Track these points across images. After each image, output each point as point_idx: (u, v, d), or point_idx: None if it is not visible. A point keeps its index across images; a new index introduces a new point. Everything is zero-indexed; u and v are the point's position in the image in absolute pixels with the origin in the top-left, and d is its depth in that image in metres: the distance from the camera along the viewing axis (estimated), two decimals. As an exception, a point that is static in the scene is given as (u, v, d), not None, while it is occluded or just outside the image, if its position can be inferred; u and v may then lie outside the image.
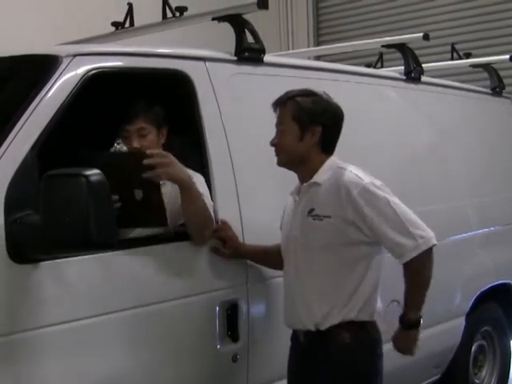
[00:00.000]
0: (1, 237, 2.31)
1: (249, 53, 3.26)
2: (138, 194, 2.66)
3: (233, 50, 3.24)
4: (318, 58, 6.81)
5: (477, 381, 4.60)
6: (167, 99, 3.01)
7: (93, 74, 2.69)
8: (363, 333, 2.76)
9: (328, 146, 2.83)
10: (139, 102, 2.96)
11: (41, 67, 2.69)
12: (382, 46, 4.55)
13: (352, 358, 2.74)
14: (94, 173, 2.26)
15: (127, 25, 3.75)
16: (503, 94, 5.18)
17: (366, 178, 2.73)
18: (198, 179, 2.83)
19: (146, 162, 2.58)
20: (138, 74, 2.94)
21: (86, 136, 3.35)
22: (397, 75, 4.26)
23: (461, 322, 4.28)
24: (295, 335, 2.89)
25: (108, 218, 2.28)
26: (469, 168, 4.48)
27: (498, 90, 5.10)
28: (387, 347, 2.88)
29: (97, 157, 2.67)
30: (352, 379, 2.75)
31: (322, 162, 2.81)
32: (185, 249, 2.84)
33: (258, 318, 3.08)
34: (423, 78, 4.33)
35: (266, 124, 2.91)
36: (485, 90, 5.09)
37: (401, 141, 4.00)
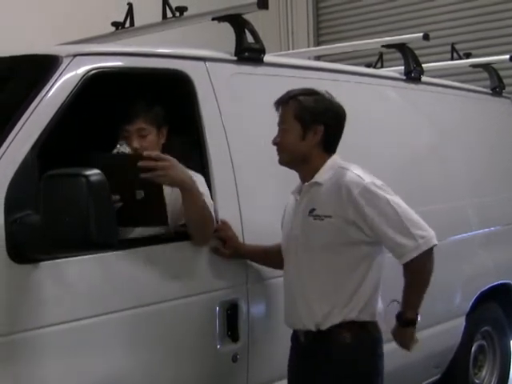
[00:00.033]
0: (1, 237, 2.31)
1: (249, 53, 3.26)
2: (140, 194, 2.65)
3: (233, 50, 3.24)
4: (318, 58, 6.81)
5: (477, 381, 4.60)
6: (167, 99, 3.01)
7: (93, 74, 2.69)
8: (364, 333, 2.76)
9: (330, 145, 2.83)
10: (139, 102, 2.96)
11: (41, 67, 2.69)
12: (382, 46, 4.55)
13: (353, 357, 2.74)
14: (93, 173, 2.26)
15: (127, 25, 3.75)
16: (503, 94, 5.18)
17: (367, 178, 2.73)
18: (198, 179, 2.83)
19: (146, 164, 2.57)
20: (138, 74, 2.94)
21: (86, 136, 3.35)
22: (397, 75, 4.26)
23: (461, 322, 4.28)
24: (295, 335, 2.89)
25: (108, 218, 2.28)
26: (469, 168, 4.48)
27: (498, 90, 5.10)
28: (387, 347, 2.88)
29: (99, 158, 2.66)
30: (353, 379, 2.75)
31: (324, 162, 2.81)
32: (185, 249, 2.84)
33: (258, 317, 3.08)
34: (423, 78, 4.33)
35: (266, 124, 2.91)
36: (485, 90, 5.09)
37: (401, 141, 4.00)
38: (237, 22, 3.28)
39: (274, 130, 2.84)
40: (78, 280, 2.51)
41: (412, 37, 4.43)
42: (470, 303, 4.33)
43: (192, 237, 2.82)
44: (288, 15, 8.61)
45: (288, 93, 2.83)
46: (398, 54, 4.34)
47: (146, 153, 2.65)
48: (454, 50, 5.39)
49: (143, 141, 2.93)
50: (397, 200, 2.72)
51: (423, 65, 4.36)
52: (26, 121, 2.47)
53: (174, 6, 3.47)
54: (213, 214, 2.84)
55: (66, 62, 2.65)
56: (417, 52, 4.36)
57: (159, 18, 3.54)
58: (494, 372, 4.73)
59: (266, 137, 2.86)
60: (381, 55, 5.14)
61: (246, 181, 3.06)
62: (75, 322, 2.48)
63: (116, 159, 2.84)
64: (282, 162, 2.85)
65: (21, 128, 2.45)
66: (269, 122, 2.87)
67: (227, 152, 3.03)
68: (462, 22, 7.51)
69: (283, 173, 2.91)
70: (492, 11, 7.34)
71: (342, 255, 2.73)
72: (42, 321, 2.41)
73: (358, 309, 2.73)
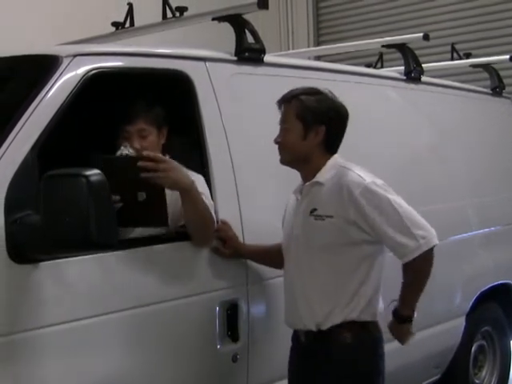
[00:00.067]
0: (1, 237, 2.31)
1: (249, 53, 3.25)
2: (142, 195, 2.65)
3: (233, 50, 3.24)
4: (318, 58, 6.81)
5: (477, 381, 4.60)
6: (167, 99, 3.01)
7: (93, 74, 2.69)
8: (365, 333, 2.76)
9: (332, 145, 2.83)
10: (139, 103, 2.96)
11: (41, 67, 2.69)
12: (382, 46, 4.55)
13: (353, 357, 2.74)
14: (94, 173, 2.26)
15: (127, 25, 3.75)
16: (503, 94, 5.18)
17: (369, 178, 2.72)
18: (198, 179, 2.83)
19: (146, 164, 2.56)
20: (138, 74, 2.94)
21: (86, 136, 3.34)
22: (397, 75, 4.26)
23: (461, 322, 4.27)
24: (296, 335, 2.89)
25: (108, 218, 2.28)
26: (469, 168, 4.48)
27: (498, 90, 5.10)
28: (388, 347, 2.88)
29: (99, 158, 2.66)
30: (353, 379, 2.75)
31: (325, 161, 2.80)
32: (185, 249, 2.83)
33: (258, 318, 3.08)
34: (423, 78, 4.33)
35: (267, 124, 2.91)
36: (485, 90, 5.09)
37: (401, 141, 4.00)
38: (237, 22, 3.27)
39: (274, 130, 2.84)
40: (78, 280, 2.51)
41: (412, 37, 4.43)
42: (470, 303, 4.33)
43: (193, 238, 2.82)
44: (288, 15, 8.62)
45: (291, 91, 2.83)
46: (398, 54, 4.34)
47: (145, 152, 2.65)
48: (454, 50, 5.40)
49: (144, 141, 2.93)
50: (398, 200, 2.71)
51: (423, 65, 4.36)
52: (26, 121, 2.46)
53: (174, 6, 3.47)
54: (213, 214, 2.84)
55: (66, 62, 2.65)
56: (417, 52, 4.36)
57: (159, 18, 3.54)
58: (494, 372, 4.73)
59: (266, 137, 2.86)
60: (381, 55, 5.14)
61: (245, 181, 3.06)
62: (75, 322, 2.48)
63: (116, 160, 2.83)
64: (283, 162, 2.85)
65: (21, 128, 2.45)
66: (269, 122, 2.87)
67: (227, 152, 3.03)
68: (462, 22, 7.51)
69: (283, 173, 2.91)
70: (492, 11, 7.34)
71: (343, 255, 2.72)
72: (42, 321, 2.41)
73: (359, 309, 2.73)
